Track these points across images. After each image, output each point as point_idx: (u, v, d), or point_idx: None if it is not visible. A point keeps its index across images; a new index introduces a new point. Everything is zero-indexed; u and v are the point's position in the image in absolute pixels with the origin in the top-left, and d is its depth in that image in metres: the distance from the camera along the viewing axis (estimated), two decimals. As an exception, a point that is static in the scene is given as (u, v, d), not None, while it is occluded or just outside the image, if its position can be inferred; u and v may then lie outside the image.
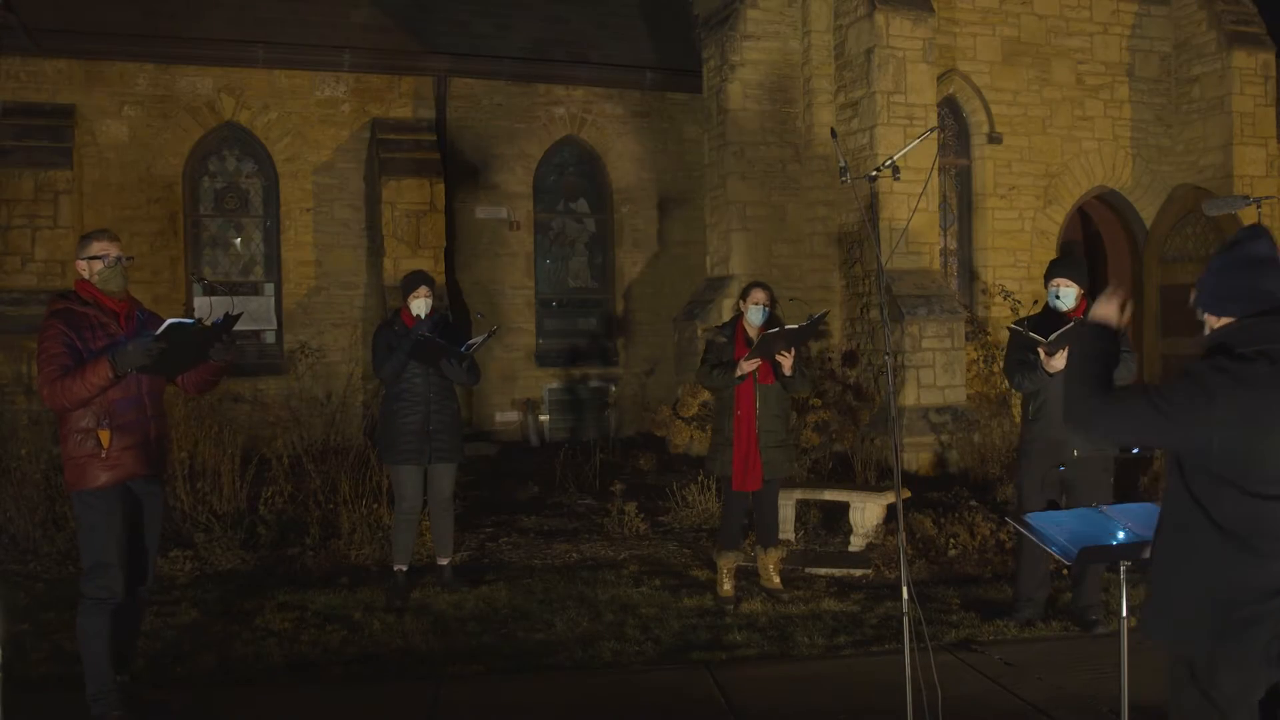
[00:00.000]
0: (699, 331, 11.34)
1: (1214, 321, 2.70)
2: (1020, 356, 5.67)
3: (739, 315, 6.40)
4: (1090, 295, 5.85)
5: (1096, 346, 2.82)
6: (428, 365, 6.20)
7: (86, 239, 4.43)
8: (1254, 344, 2.58)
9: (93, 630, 4.28)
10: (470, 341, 6.26)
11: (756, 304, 6.26)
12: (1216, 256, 2.69)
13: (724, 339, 6.29)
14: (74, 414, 4.24)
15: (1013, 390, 5.78)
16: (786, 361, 6.10)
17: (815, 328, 6.35)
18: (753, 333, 6.27)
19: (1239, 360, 2.57)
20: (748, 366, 6.01)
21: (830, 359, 11.11)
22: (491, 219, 12.90)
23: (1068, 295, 5.61)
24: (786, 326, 6.05)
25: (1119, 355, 2.84)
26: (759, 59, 11.54)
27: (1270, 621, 2.50)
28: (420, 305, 6.31)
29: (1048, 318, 5.65)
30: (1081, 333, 2.88)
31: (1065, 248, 5.97)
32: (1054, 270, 5.69)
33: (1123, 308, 2.87)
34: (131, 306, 4.47)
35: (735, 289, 11.10)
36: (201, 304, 11.79)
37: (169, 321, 4.10)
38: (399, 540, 6.34)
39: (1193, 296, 2.77)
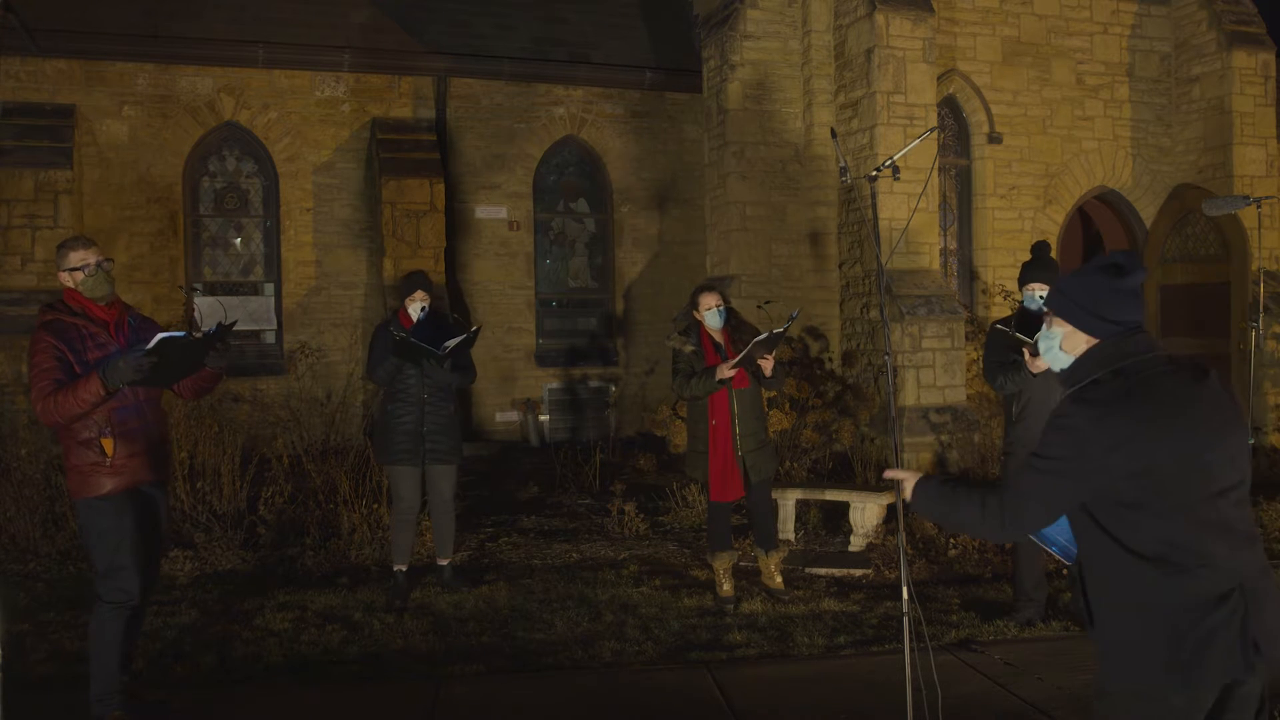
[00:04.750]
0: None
1: (1073, 335, 2.65)
2: (1001, 358, 5.64)
3: (697, 321, 6.21)
4: None
5: (941, 502, 2.84)
6: (414, 365, 6.19)
7: (63, 250, 4.32)
8: (1109, 364, 2.58)
9: (107, 634, 4.26)
10: (445, 344, 6.12)
11: (711, 308, 6.13)
12: (1101, 275, 2.63)
13: (692, 347, 6.12)
14: (76, 423, 4.19)
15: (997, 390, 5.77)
16: (768, 365, 6.00)
17: (790, 327, 6.23)
18: (716, 336, 6.18)
19: (1097, 386, 2.57)
20: (729, 372, 5.88)
21: (830, 359, 11.11)
22: (491, 219, 12.90)
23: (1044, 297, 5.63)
24: (773, 332, 5.92)
25: (953, 483, 2.89)
26: (759, 59, 11.54)
27: (1223, 632, 2.45)
28: (416, 308, 6.30)
29: (1026, 319, 5.63)
30: (930, 499, 2.88)
31: (1036, 249, 5.95)
32: (1028, 274, 5.70)
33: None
34: (121, 313, 4.41)
35: (736, 289, 11.11)
36: (205, 303, 11.78)
37: (160, 336, 4.01)
38: (397, 540, 6.33)
39: (1050, 297, 2.73)
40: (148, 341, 4.07)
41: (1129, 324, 2.61)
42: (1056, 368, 2.74)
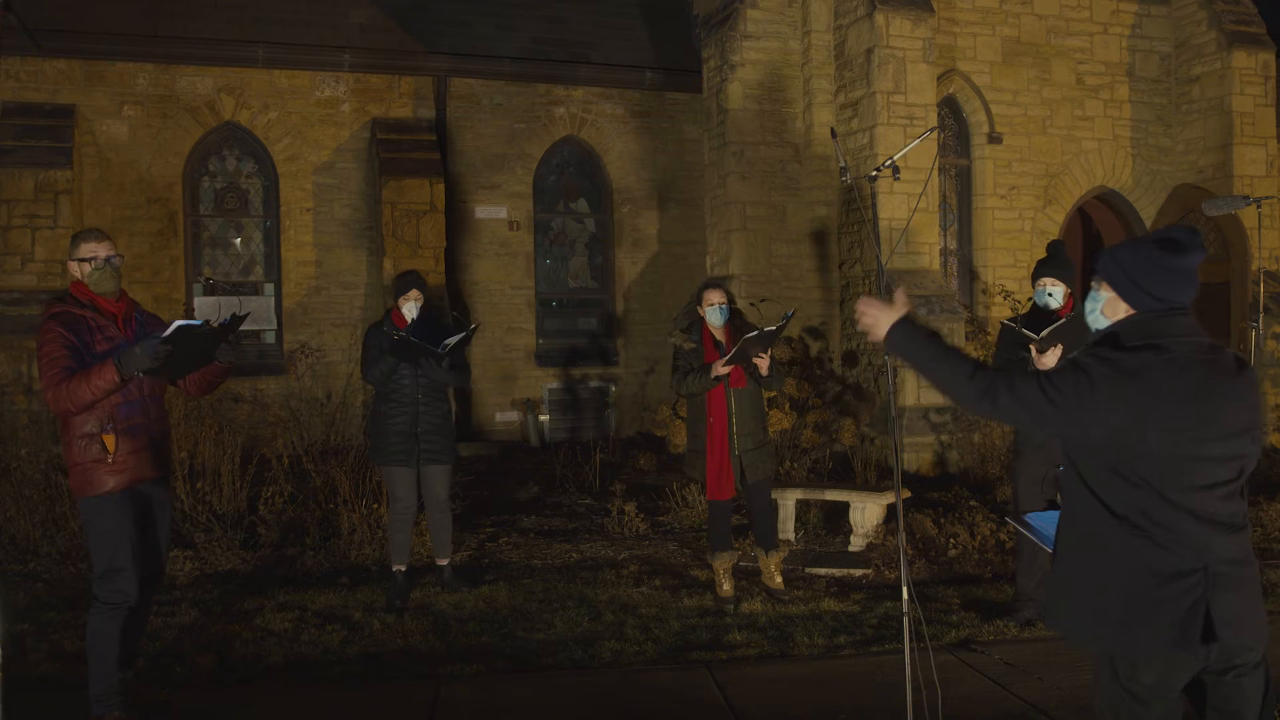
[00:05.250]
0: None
1: (1115, 302, 2.65)
2: (1010, 354, 5.66)
3: (701, 318, 6.21)
4: (1079, 293, 5.85)
5: (930, 344, 2.77)
6: (411, 365, 6.18)
7: (77, 239, 4.37)
8: (1144, 337, 2.57)
9: (104, 633, 4.26)
10: (445, 342, 6.11)
11: (713, 305, 6.13)
12: (1157, 249, 2.59)
13: (692, 344, 6.12)
14: (77, 419, 4.18)
15: None
16: (764, 363, 5.99)
17: (786, 326, 6.24)
18: (718, 334, 6.18)
19: (1125, 351, 2.56)
20: (723, 369, 5.88)
21: (830, 359, 11.11)
22: (491, 219, 12.91)
23: (1057, 293, 5.63)
24: (765, 329, 5.90)
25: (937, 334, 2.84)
26: (759, 59, 11.54)
27: (1173, 605, 2.48)
28: (410, 307, 6.29)
29: (1037, 316, 5.65)
30: (915, 343, 2.78)
31: (1052, 247, 5.94)
32: (1041, 270, 5.70)
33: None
34: (129, 308, 4.42)
35: (736, 288, 11.11)
36: (204, 303, 11.79)
37: (176, 324, 4.02)
38: (395, 540, 6.33)
39: (1101, 260, 2.68)
40: (158, 330, 4.08)
41: (1173, 303, 2.58)
42: (1094, 329, 2.71)
